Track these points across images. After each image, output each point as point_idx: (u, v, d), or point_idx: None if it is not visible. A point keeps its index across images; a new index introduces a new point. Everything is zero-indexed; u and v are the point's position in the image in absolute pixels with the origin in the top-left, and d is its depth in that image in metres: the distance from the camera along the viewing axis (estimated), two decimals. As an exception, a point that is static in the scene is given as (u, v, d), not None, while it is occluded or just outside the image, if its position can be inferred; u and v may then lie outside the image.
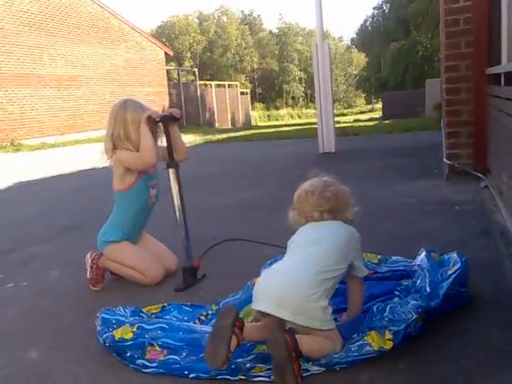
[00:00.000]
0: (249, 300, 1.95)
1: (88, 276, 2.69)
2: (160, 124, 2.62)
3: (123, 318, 2.00)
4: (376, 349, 1.68)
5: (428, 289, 1.89)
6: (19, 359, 1.98)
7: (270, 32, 62.44)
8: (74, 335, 2.14)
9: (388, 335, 1.70)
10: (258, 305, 1.73)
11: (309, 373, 1.66)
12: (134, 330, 1.88)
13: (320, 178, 2.01)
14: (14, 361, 1.97)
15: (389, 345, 1.68)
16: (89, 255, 2.75)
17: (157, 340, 1.84)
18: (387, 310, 1.82)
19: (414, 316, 1.75)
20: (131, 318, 2.02)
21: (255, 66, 56.32)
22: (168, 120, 2.63)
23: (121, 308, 2.13)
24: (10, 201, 6.00)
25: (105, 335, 1.91)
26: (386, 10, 37.23)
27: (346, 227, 1.92)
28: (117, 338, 1.87)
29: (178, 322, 2.02)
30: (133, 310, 2.15)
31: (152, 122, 2.58)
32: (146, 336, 1.86)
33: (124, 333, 1.88)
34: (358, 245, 1.92)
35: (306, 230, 1.93)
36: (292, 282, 1.70)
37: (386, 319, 1.77)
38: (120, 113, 2.62)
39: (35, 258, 3.39)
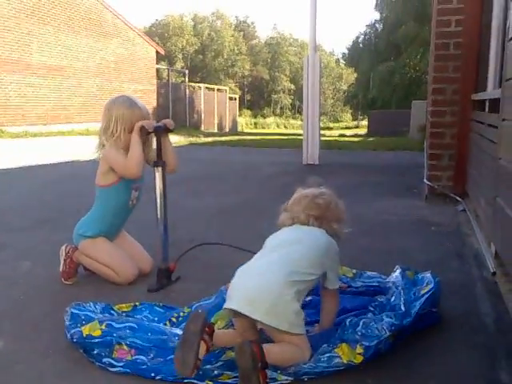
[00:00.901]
0: (221, 304, 1.93)
1: (61, 269, 2.65)
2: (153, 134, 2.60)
3: (93, 315, 1.97)
4: (345, 361, 1.68)
5: (403, 307, 1.90)
6: (-17, 349, 1.94)
7: (265, 41, 62.75)
8: (42, 328, 2.10)
9: (359, 349, 1.70)
10: (230, 303, 1.72)
11: (277, 382, 1.65)
12: (103, 327, 1.86)
13: (320, 187, 2.04)
14: (-22, 350, 1.93)
15: (359, 359, 1.69)
16: (63, 248, 2.71)
17: (125, 339, 1.82)
18: (360, 324, 1.83)
19: (387, 333, 1.76)
20: (101, 315, 1.99)
21: (246, 73, 56.47)
22: (161, 131, 2.60)
23: (91, 304, 2.11)
24: (-14, 187, 5.90)
25: (72, 330, 1.89)
26: (379, 29, 37.68)
27: (327, 237, 1.92)
28: (84, 335, 1.84)
29: (148, 323, 2.00)
30: (103, 306, 2.13)
31: (145, 132, 2.56)
32: (115, 335, 1.83)
33: (92, 330, 1.85)
34: (337, 257, 1.92)
35: (288, 230, 1.96)
36: (265, 282, 1.70)
37: (359, 333, 1.77)
38: (109, 108, 2.60)
39: (8, 247, 3.33)
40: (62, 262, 2.66)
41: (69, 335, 1.90)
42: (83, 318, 1.93)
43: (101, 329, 1.85)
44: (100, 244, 2.66)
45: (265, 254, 1.89)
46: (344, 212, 2.01)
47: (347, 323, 1.87)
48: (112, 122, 2.57)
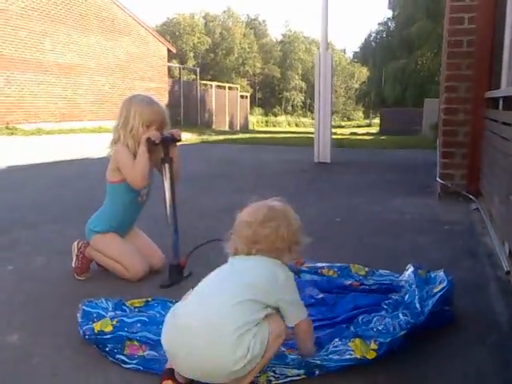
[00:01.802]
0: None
1: (74, 265, 2.68)
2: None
3: (104, 312, 1.98)
4: (358, 357, 1.68)
5: (418, 306, 1.88)
6: (-2, 342, 1.97)
7: (276, 39, 62.69)
8: (56, 323, 2.12)
9: (373, 345, 1.69)
10: (178, 368, 1.56)
11: (288, 379, 1.65)
12: (114, 323, 1.87)
13: (269, 201, 1.71)
14: (-7, 344, 1.96)
15: (372, 355, 1.68)
16: (76, 244, 2.73)
17: (136, 334, 1.83)
18: (373, 321, 1.82)
19: (402, 332, 1.75)
20: (112, 313, 2.00)
21: (257, 71, 56.43)
22: (168, 142, 2.62)
23: (103, 300, 2.11)
24: (0, 184, 5.96)
25: (85, 327, 1.90)
26: (391, 27, 37.43)
27: (270, 269, 1.63)
28: (96, 331, 1.86)
29: (160, 318, 2.01)
30: (116, 302, 2.13)
31: (151, 143, 2.57)
32: (126, 329, 1.84)
33: (104, 326, 1.86)
34: (286, 288, 1.63)
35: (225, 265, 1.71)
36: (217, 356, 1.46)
37: (375, 329, 1.76)
38: (127, 105, 2.63)
39: (22, 242, 3.37)
40: (74, 257, 2.69)
41: (81, 332, 1.91)
42: (95, 315, 1.95)
43: (112, 324, 1.86)
44: (110, 239, 2.67)
45: (201, 298, 1.62)
46: (298, 231, 1.69)
47: (359, 320, 1.86)
48: (131, 117, 2.58)
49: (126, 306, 2.14)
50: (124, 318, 1.90)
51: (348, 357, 1.68)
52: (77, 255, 2.68)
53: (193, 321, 1.51)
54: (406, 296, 1.98)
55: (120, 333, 1.83)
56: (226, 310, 1.49)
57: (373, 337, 1.72)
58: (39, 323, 2.13)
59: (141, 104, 2.61)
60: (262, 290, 1.56)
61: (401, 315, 1.82)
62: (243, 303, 1.50)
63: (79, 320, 1.96)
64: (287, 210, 1.70)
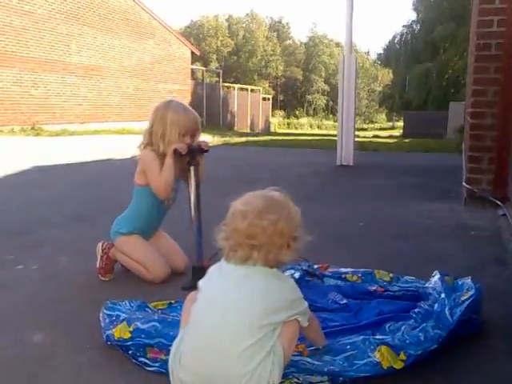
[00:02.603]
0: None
1: (98, 265, 2.70)
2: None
3: (121, 313, 1.97)
4: (386, 368, 1.64)
5: (449, 317, 1.83)
6: (23, 341, 1.98)
7: (299, 41, 62.59)
8: (80, 323, 2.13)
9: (402, 356, 1.66)
10: None
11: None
12: (131, 329, 1.86)
13: (266, 191, 1.55)
14: (18, 343, 1.97)
15: (400, 365, 1.65)
16: (100, 244, 2.75)
17: (152, 340, 1.81)
18: (402, 329, 1.79)
19: (435, 346, 1.72)
20: (128, 314, 1.96)
21: (279, 74, 56.43)
22: (195, 152, 2.62)
23: (126, 302, 2.11)
24: (25, 184, 6.05)
25: (107, 332, 1.91)
26: (416, 30, 37.10)
27: (271, 283, 1.47)
28: (116, 338, 1.86)
29: (171, 318, 1.97)
30: (139, 304, 2.13)
31: (178, 155, 2.57)
32: (143, 336, 1.83)
33: (122, 332, 1.86)
34: (293, 300, 1.49)
35: (218, 282, 1.51)
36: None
37: (403, 340, 1.72)
38: (162, 111, 2.62)
39: (46, 242, 3.41)
40: (98, 258, 2.71)
41: (104, 337, 1.92)
42: (114, 318, 1.94)
43: (129, 331, 1.85)
44: (133, 241, 2.69)
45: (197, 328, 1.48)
46: (299, 225, 1.52)
47: (386, 328, 1.83)
48: (167, 125, 2.58)
49: (149, 307, 2.14)
50: (138, 324, 1.87)
51: (376, 368, 1.64)
52: (101, 256, 2.70)
53: (196, 380, 1.42)
54: (436, 305, 1.93)
55: (138, 339, 1.83)
56: (231, 365, 1.36)
57: (402, 347, 1.68)
58: (63, 323, 2.14)
59: (177, 112, 2.61)
60: (271, 311, 1.42)
61: (430, 329, 1.76)
62: (250, 346, 1.36)
63: (102, 325, 1.96)
64: (287, 201, 1.52)
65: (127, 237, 2.69)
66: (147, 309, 2.13)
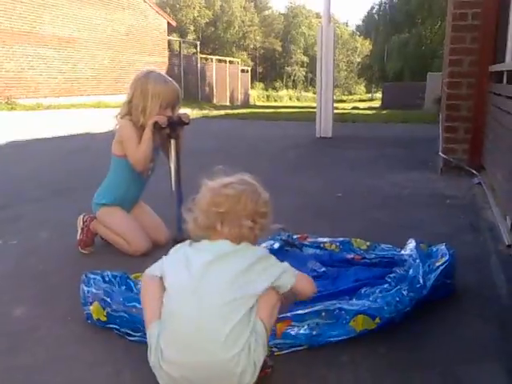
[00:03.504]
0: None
1: (78, 237, 2.69)
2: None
3: (96, 291, 1.91)
4: (358, 331, 1.71)
5: (421, 281, 1.89)
6: (4, 315, 1.99)
7: (278, 12, 61.75)
8: (60, 296, 2.14)
9: (377, 320, 1.73)
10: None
11: (291, 349, 1.68)
12: (105, 313, 1.85)
13: (237, 175, 1.55)
14: (-1, 316, 1.98)
15: (372, 326, 1.72)
16: (81, 217, 2.75)
17: (127, 326, 1.79)
18: (376, 292, 1.84)
19: (407, 309, 1.77)
20: (103, 288, 1.91)
21: (258, 45, 55.77)
22: (175, 125, 2.58)
23: (108, 273, 2.11)
24: (1, 159, 5.95)
25: (86, 311, 1.90)
26: (394, 0, 36.87)
27: (240, 255, 1.43)
28: (95, 319, 1.87)
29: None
30: (121, 275, 2.13)
31: (158, 128, 2.54)
32: (117, 321, 1.82)
33: (99, 314, 1.86)
34: (269, 266, 1.45)
35: (184, 270, 1.42)
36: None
37: (379, 305, 1.76)
38: (142, 83, 2.56)
39: (25, 217, 3.38)
40: (79, 230, 2.70)
41: (85, 314, 1.91)
42: (89, 295, 1.91)
43: (104, 315, 1.85)
44: (114, 213, 2.68)
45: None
46: (266, 204, 1.50)
47: (362, 292, 1.88)
48: (148, 97, 2.53)
49: (130, 279, 2.15)
50: (109, 310, 1.84)
51: (347, 331, 1.71)
52: (82, 228, 2.70)
53: (185, 372, 1.38)
54: (411, 270, 1.98)
55: (113, 325, 1.83)
56: (217, 351, 1.33)
57: (378, 313, 1.73)
58: (44, 297, 2.15)
59: (158, 84, 2.56)
60: (241, 277, 1.38)
61: (404, 292, 1.82)
62: (233, 329, 1.33)
63: (81, 301, 1.94)
64: (256, 182, 1.53)
65: (108, 208, 2.68)
66: (128, 280, 2.14)
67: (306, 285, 1.54)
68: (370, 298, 1.81)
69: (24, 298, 2.15)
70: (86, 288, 1.94)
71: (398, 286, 1.86)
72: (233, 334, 1.32)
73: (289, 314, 1.71)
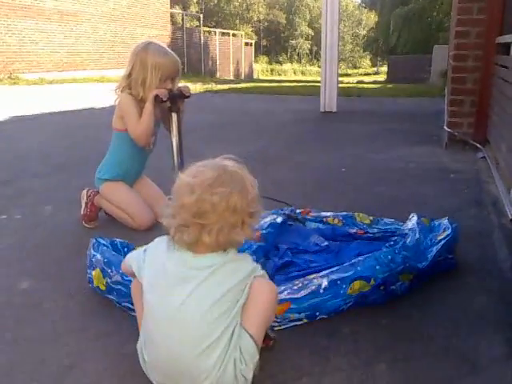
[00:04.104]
0: (239, 251, 1.95)
1: (82, 212, 2.71)
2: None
3: (101, 257, 1.91)
4: (354, 295, 1.74)
5: (415, 240, 1.92)
6: (10, 288, 2.01)
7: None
8: (66, 270, 2.16)
9: (372, 282, 1.75)
10: None
11: (290, 323, 1.69)
12: (104, 282, 1.86)
13: (218, 160, 1.35)
14: (5, 290, 2.00)
15: (368, 288, 1.75)
16: (85, 191, 2.75)
17: (124, 299, 1.80)
18: (371, 256, 1.85)
19: (401, 267, 1.79)
20: (108, 256, 1.91)
21: (262, 17, 54.95)
22: (176, 98, 2.54)
23: (117, 241, 2.11)
24: (5, 134, 5.95)
25: (88, 274, 1.92)
26: (401, -30, 36.06)
27: (224, 268, 1.29)
28: (95, 285, 1.89)
29: None
30: (130, 246, 2.12)
31: (159, 101, 2.50)
32: (115, 293, 1.83)
33: (99, 281, 1.88)
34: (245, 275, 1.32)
35: (164, 282, 1.29)
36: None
37: (372, 265, 1.78)
38: (142, 55, 2.52)
39: (29, 192, 3.40)
40: (83, 205, 2.71)
41: (87, 277, 1.94)
42: (93, 260, 1.92)
43: (104, 284, 1.86)
44: (117, 188, 2.69)
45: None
46: (256, 201, 1.31)
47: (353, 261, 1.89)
48: (148, 69, 2.50)
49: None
50: (109, 282, 1.84)
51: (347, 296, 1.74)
52: (86, 203, 2.71)
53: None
54: (408, 240, 1.99)
55: (111, 296, 1.85)
56: (191, 364, 1.25)
57: (372, 274, 1.75)
58: (49, 270, 2.17)
59: (158, 56, 2.52)
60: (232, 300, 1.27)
61: (396, 251, 1.84)
62: (209, 345, 1.24)
63: (87, 263, 1.96)
64: (242, 172, 1.33)
65: (111, 183, 2.68)
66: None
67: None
68: (361, 258, 1.83)
69: (30, 271, 2.17)
70: (92, 252, 1.95)
71: (391, 248, 1.88)
72: (207, 349, 1.24)
73: (288, 297, 1.70)
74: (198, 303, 1.24)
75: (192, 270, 1.27)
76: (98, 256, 1.92)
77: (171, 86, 2.58)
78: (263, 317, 1.31)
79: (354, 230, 2.37)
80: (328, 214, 2.51)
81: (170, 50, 2.62)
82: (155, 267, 1.33)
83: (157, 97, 2.49)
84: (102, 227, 2.70)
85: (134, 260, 1.42)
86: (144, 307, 1.34)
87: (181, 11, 29.48)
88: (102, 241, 2.03)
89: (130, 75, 2.56)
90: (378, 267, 1.77)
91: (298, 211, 2.52)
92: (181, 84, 2.68)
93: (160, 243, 1.37)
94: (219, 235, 1.24)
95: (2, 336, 1.69)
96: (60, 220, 2.83)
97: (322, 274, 1.78)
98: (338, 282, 1.74)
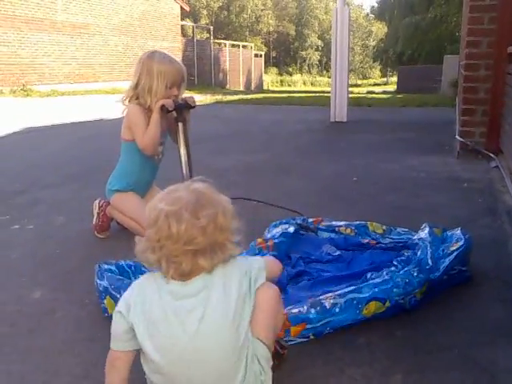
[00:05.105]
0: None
1: (94, 222, 2.72)
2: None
3: (107, 285, 1.88)
4: (369, 316, 1.72)
5: (430, 261, 1.88)
6: (23, 298, 2.02)
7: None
8: (78, 279, 2.17)
9: (387, 304, 1.72)
10: None
11: (298, 340, 1.66)
12: None
13: (189, 184, 1.28)
14: (18, 299, 2.01)
15: (382, 310, 1.72)
16: (97, 202, 2.76)
17: None
18: (384, 274, 1.83)
19: (417, 290, 1.77)
20: (115, 282, 1.88)
21: (271, 29, 55.25)
22: (182, 108, 2.56)
23: (123, 262, 2.07)
24: (18, 145, 6.01)
25: (101, 305, 1.88)
26: (410, -19, 36.13)
27: (236, 275, 1.27)
28: (110, 313, 1.85)
29: None
30: (135, 264, 2.09)
31: (166, 111, 2.52)
32: None
33: (113, 309, 1.83)
34: (256, 271, 1.30)
35: (167, 323, 1.20)
36: None
37: (388, 287, 1.75)
38: (147, 63, 2.55)
39: (41, 202, 3.42)
40: (95, 215, 2.72)
41: (102, 308, 1.89)
42: (101, 289, 1.90)
43: None
44: (128, 198, 2.69)
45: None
46: (235, 218, 1.29)
47: (368, 277, 1.87)
48: (154, 77, 2.52)
49: (144, 267, 2.14)
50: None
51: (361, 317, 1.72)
52: (98, 213, 2.72)
53: None
54: (418, 252, 1.96)
55: None
56: None
57: (388, 296, 1.73)
58: (62, 280, 2.18)
59: (163, 63, 2.54)
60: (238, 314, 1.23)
61: (414, 273, 1.80)
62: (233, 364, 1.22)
63: (97, 294, 1.93)
64: (216, 193, 1.29)
65: (122, 194, 2.69)
66: (143, 269, 2.12)
67: (273, 264, 1.41)
68: (378, 280, 1.80)
69: (42, 281, 2.18)
70: (98, 281, 1.92)
71: (406, 268, 1.85)
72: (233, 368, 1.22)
73: (302, 315, 1.67)
74: (214, 324, 1.20)
75: (190, 298, 1.21)
76: (104, 283, 1.89)
77: (177, 93, 2.59)
78: (272, 320, 1.30)
79: (367, 240, 2.35)
80: (340, 223, 2.50)
81: (174, 58, 2.65)
82: (150, 310, 1.22)
83: (163, 107, 2.51)
84: (114, 237, 2.71)
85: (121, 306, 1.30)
86: (148, 358, 1.24)
87: (191, 23, 29.73)
88: (106, 266, 1.98)
89: (137, 85, 2.58)
90: (395, 290, 1.75)
91: (309, 220, 2.51)
92: (187, 94, 2.69)
93: (147, 285, 1.28)
94: (214, 256, 1.22)
95: (15, 345, 1.69)
96: (72, 230, 2.84)
97: (338, 292, 1.76)
98: (355, 302, 1.72)
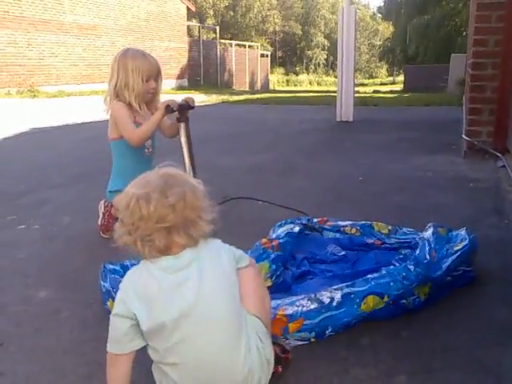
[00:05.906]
0: (258, 260, 1.95)
1: (99, 222, 2.73)
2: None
3: (109, 287, 1.89)
4: (368, 312, 1.71)
5: (427, 256, 1.87)
6: (29, 298, 2.03)
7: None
8: (83, 279, 2.17)
9: (386, 298, 1.72)
10: None
11: (299, 343, 1.65)
12: None
13: (157, 169, 1.34)
14: (24, 299, 2.02)
15: (381, 305, 1.71)
16: (102, 202, 2.78)
17: None
18: (382, 272, 1.82)
19: (414, 284, 1.76)
20: (116, 285, 1.79)
21: (277, 29, 55.21)
22: (185, 109, 2.58)
23: (127, 262, 2.08)
24: (25, 145, 6.04)
25: (105, 306, 1.88)
26: (417, -21, 36.00)
27: (223, 250, 1.36)
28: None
29: None
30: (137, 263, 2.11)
31: (170, 111, 2.54)
32: None
33: None
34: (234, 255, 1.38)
35: (164, 294, 1.23)
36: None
37: (386, 282, 1.75)
38: (122, 60, 2.58)
39: (47, 202, 3.43)
40: (100, 215, 2.73)
41: (106, 309, 1.88)
42: (104, 291, 1.90)
43: None
44: None
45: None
46: (205, 195, 1.33)
47: (368, 277, 1.86)
48: (130, 75, 2.55)
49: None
50: None
51: (359, 314, 1.71)
52: (103, 213, 2.73)
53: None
54: (418, 250, 1.95)
55: None
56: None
57: (386, 291, 1.73)
58: (67, 280, 2.19)
59: (136, 58, 2.58)
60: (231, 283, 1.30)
61: (411, 267, 1.80)
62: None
63: (101, 298, 1.93)
64: (185, 175, 1.35)
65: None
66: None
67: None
68: (376, 275, 1.80)
69: (48, 281, 2.18)
70: (102, 283, 1.92)
71: (404, 264, 1.85)
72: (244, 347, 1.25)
73: (300, 311, 1.67)
74: (212, 289, 1.25)
75: (183, 270, 1.25)
76: (107, 286, 1.90)
77: (155, 86, 2.63)
78: (259, 300, 1.35)
79: (372, 241, 2.34)
80: (345, 223, 2.49)
81: (147, 53, 2.68)
82: (147, 290, 1.25)
83: (168, 107, 2.52)
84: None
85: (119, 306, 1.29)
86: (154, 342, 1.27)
87: (197, 24, 29.78)
88: (110, 266, 1.98)
89: (116, 84, 2.60)
90: (392, 284, 1.74)
91: (315, 220, 2.50)
92: (186, 95, 2.70)
93: (131, 274, 1.32)
94: (188, 232, 1.26)
95: (21, 345, 1.70)
96: (77, 230, 2.85)
97: (335, 287, 1.76)
98: (352, 296, 1.71)
